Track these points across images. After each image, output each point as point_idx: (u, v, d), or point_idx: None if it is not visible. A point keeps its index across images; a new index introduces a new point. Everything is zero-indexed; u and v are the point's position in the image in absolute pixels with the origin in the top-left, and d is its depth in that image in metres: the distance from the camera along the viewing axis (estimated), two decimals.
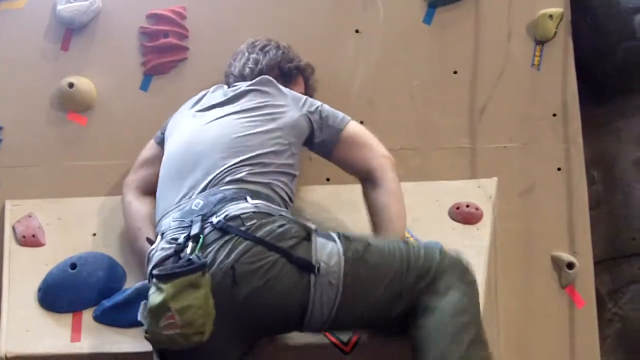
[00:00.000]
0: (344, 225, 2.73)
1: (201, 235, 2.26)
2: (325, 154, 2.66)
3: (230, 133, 2.50)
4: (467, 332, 2.25)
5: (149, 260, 2.38)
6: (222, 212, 2.31)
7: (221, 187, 2.39)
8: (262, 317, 2.27)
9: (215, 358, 2.27)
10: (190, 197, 2.41)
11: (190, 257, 2.20)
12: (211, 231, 2.28)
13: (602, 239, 3.12)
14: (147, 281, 2.56)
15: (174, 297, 2.14)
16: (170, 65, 3.04)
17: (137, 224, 2.65)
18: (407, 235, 2.59)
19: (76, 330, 2.58)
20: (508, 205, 2.91)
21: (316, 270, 2.23)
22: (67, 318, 2.60)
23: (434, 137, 3.00)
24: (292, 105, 2.60)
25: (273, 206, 2.36)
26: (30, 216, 2.85)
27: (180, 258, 2.26)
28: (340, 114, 2.65)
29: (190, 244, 2.26)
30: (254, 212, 2.29)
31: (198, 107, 2.66)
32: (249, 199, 2.35)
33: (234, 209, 2.30)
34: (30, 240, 2.79)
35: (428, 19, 3.05)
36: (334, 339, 2.44)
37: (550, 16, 3.02)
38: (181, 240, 2.29)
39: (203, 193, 2.40)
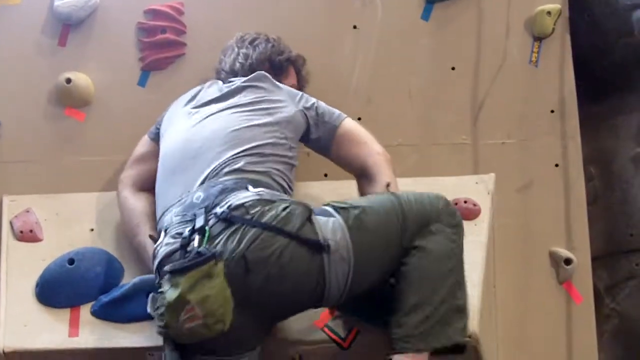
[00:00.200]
0: None
1: (206, 228, 2.26)
2: (321, 151, 2.67)
3: (228, 127, 2.51)
4: (449, 279, 2.31)
5: (154, 256, 2.37)
6: (224, 202, 2.31)
7: (220, 178, 2.40)
8: (280, 303, 2.29)
9: (235, 347, 2.28)
10: (190, 191, 2.41)
11: (199, 250, 2.21)
12: (216, 222, 2.28)
13: (600, 235, 3.13)
14: (144, 276, 2.58)
15: (190, 289, 2.15)
16: (168, 61, 3.04)
17: (134, 220, 2.66)
18: None
19: (74, 325, 2.57)
20: (506, 201, 2.91)
21: (327, 248, 2.25)
22: (65, 313, 2.60)
23: (432, 133, 3.00)
24: (288, 100, 2.61)
25: (274, 192, 2.37)
26: (27, 211, 2.84)
27: (186, 252, 2.26)
28: (336, 111, 2.66)
29: (196, 237, 2.26)
30: (257, 199, 2.30)
31: (194, 103, 2.66)
32: (250, 187, 2.36)
33: (236, 198, 2.31)
34: (27, 236, 2.78)
35: (426, 15, 3.05)
36: (332, 335, 2.44)
37: (548, 12, 3.02)
38: (186, 234, 2.29)
39: (203, 185, 2.40)
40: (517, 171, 2.97)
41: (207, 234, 2.25)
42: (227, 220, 2.26)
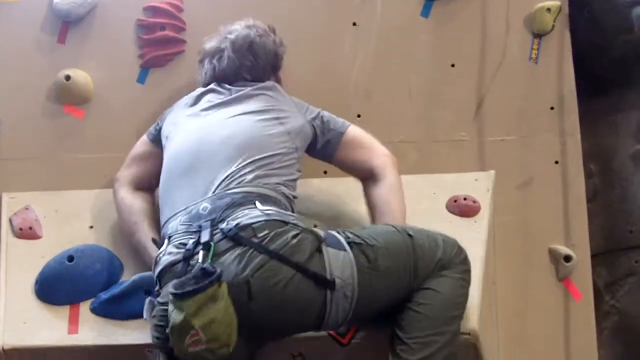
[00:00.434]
0: (342, 218, 2.74)
1: (212, 243, 2.25)
2: (325, 157, 2.67)
3: (240, 133, 2.49)
4: (453, 325, 2.31)
5: (156, 263, 2.36)
6: (231, 218, 2.29)
7: (229, 190, 2.37)
8: (278, 329, 2.29)
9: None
10: (198, 199, 2.39)
11: (204, 267, 2.18)
12: (222, 239, 2.26)
13: (600, 232, 3.13)
14: (144, 273, 2.58)
15: (195, 314, 2.11)
16: (167, 58, 3.04)
17: (132, 219, 2.65)
18: None
19: (73, 322, 2.57)
20: (505, 198, 2.91)
21: (332, 284, 2.24)
22: (65, 310, 2.60)
23: (431, 130, 3.00)
24: (296, 111, 2.61)
25: (283, 212, 2.35)
26: (27, 209, 2.84)
27: (189, 265, 2.25)
28: (340, 119, 2.67)
29: (200, 252, 2.24)
30: (265, 220, 2.28)
31: (201, 105, 2.63)
32: (258, 204, 2.33)
33: (244, 217, 2.29)
34: (27, 233, 2.78)
35: (425, 12, 3.04)
36: (332, 331, 2.43)
37: (548, 9, 3.01)
38: (190, 246, 2.28)
39: (210, 196, 2.38)
40: (516, 168, 2.97)
41: (212, 250, 2.24)
42: (234, 239, 2.25)
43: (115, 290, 2.60)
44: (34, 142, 2.99)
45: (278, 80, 2.73)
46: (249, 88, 2.62)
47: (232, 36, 2.69)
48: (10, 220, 2.81)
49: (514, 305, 2.89)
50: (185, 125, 2.61)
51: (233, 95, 2.61)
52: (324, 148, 2.64)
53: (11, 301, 2.62)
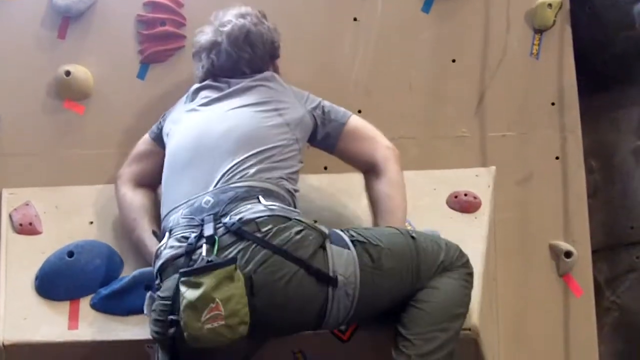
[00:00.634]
0: (342, 214, 2.74)
1: (216, 237, 2.24)
2: (327, 148, 2.66)
3: (241, 126, 2.49)
4: (456, 323, 2.31)
5: (157, 256, 2.36)
6: (234, 212, 2.29)
7: (232, 184, 2.37)
8: (278, 326, 2.28)
9: (226, 357, 2.25)
10: (200, 192, 2.38)
11: (210, 259, 2.18)
12: (225, 233, 2.26)
13: (600, 228, 3.13)
14: (144, 269, 2.58)
15: (215, 287, 2.11)
16: (168, 53, 3.03)
17: (132, 215, 2.65)
18: (406, 225, 2.59)
19: (73, 318, 2.57)
20: (506, 194, 2.91)
21: (334, 282, 2.23)
22: (65, 306, 2.60)
23: (432, 126, 2.99)
24: (295, 102, 2.60)
25: (286, 207, 2.35)
26: (27, 204, 2.84)
27: (191, 259, 2.24)
28: (342, 109, 2.66)
29: (204, 246, 2.24)
30: (269, 215, 2.27)
31: (199, 101, 2.62)
32: (261, 199, 2.33)
33: (248, 212, 2.28)
34: (27, 229, 2.78)
35: (426, 8, 3.04)
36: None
37: (549, 5, 3.01)
38: (192, 239, 2.27)
39: (213, 190, 2.37)
40: (517, 164, 2.96)
41: (217, 244, 2.23)
42: (237, 234, 2.24)
43: (115, 286, 2.59)
44: (34, 138, 2.99)
45: (276, 69, 2.72)
46: (247, 80, 2.61)
47: (226, 29, 2.65)
48: (10, 216, 2.81)
49: (514, 301, 2.89)
50: (185, 121, 2.60)
51: (231, 89, 2.61)
52: (325, 139, 2.62)
53: (11, 297, 2.62)
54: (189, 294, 2.13)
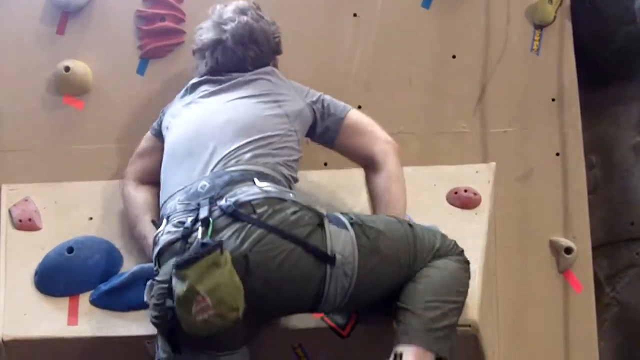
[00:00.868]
0: (342, 210, 2.71)
1: (211, 219, 2.24)
2: (327, 143, 2.66)
3: (240, 116, 2.49)
4: (460, 298, 2.31)
5: (155, 243, 2.36)
6: (230, 195, 2.29)
7: (227, 168, 2.38)
8: (275, 306, 2.28)
9: (226, 343, 2.26)
10: (196, 178, 2.39)
11: (204, 241, 2.18)
12: (220, 215, 2.26)
13: (600, 224, 3.12)
14: (143, 265, 2.58)
15: (199, 279, 2.10)
16: (167, 49, 3.03)
17: (134, 212, 2.66)
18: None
19: (73, 313, 2.57)
20: (506, 190, 2.91)
21: (332, 260, 2.23)
22: (64, 302, 2.60)
23: (432, 122, 2.99)
24: (295, 95, 2.60)
25: (282, 189, 2.35)
26: (26, 200, 2.84)
27: (187, 242, 2.24)
28: (341, 103, 2.66)
29: (200, 228, 2.24)
30: (264, 197, 2.27)
31: (198, 93, 2.63)
32: (256, 181, 2.33)
33: (243, 194, 2.28)
34: (26, 224, 2.78)
35: (427, 3, 3.03)
36: (332, 323, 2.43)
37: (550, 0, 3.00)
38: (188, 223, 2.27)
39: (209, 175, 2.38)
40: (517, 160, 2.96)
41: (211, 226, 2.23)
42: (233, 215, 2.24)
43: (115, 281, 2.59)
44: (34, 134, 2.99)
45: (275, 63, 2.73)
46: (248, 74, 2.62)
47: (229, 27, 2.65)
48: (10, 212, 2.81)
49: (514, 297, 2.89)
50: (184, 114, 2.61)
51: (232, 82, 2.61)
52: (324, 133, 2.63)
53: (11, 293, 2.62)
54: (178, 288, 2.13)
